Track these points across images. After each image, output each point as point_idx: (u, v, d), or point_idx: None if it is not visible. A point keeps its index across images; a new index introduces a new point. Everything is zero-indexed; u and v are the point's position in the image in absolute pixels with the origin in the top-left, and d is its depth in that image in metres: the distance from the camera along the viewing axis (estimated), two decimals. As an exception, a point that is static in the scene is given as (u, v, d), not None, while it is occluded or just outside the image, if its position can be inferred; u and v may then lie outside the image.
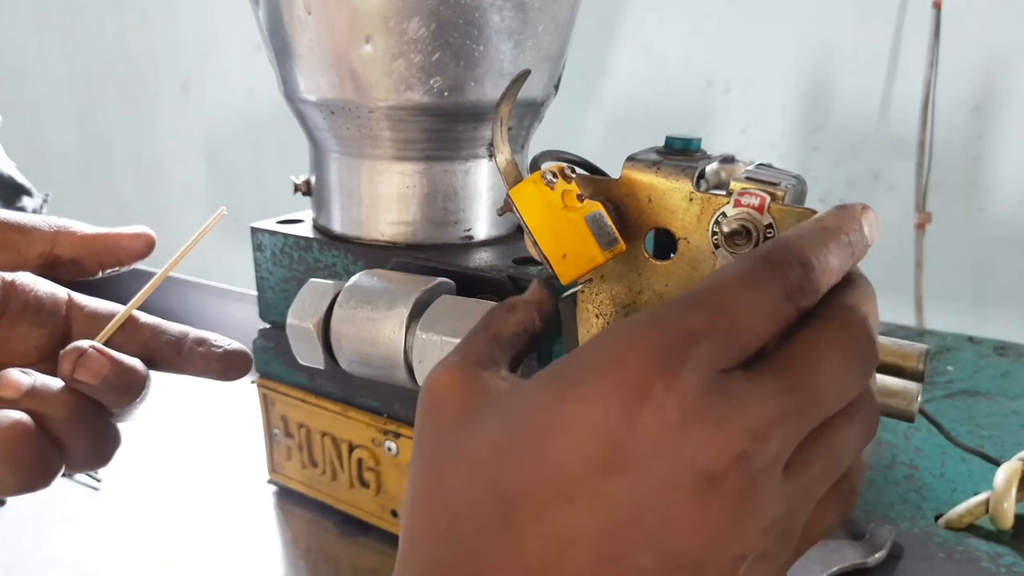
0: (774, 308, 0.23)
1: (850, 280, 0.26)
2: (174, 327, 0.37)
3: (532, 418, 0.23)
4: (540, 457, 0.22)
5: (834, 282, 0.25)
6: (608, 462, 0.22)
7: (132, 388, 0.33)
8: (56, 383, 0.32)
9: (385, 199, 0.46)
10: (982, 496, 0.43)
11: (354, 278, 0.40)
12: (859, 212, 0.26)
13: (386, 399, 0.47)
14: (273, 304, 0.51)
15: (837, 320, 0.24)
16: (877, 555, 0.40)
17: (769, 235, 0.30)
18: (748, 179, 0.31)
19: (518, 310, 0.31)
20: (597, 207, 0.31)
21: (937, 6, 0.89)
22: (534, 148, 0.41)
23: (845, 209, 0.27)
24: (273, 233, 0.49)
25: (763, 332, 0.23)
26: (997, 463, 0.45)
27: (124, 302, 0.36)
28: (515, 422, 0.24)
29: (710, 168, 0.33)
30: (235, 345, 0.37)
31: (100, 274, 0.37)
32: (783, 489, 0.23)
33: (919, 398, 0.31)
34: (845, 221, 0.26)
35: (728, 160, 0.33)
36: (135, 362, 0.33)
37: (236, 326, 0.84)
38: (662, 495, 0.21)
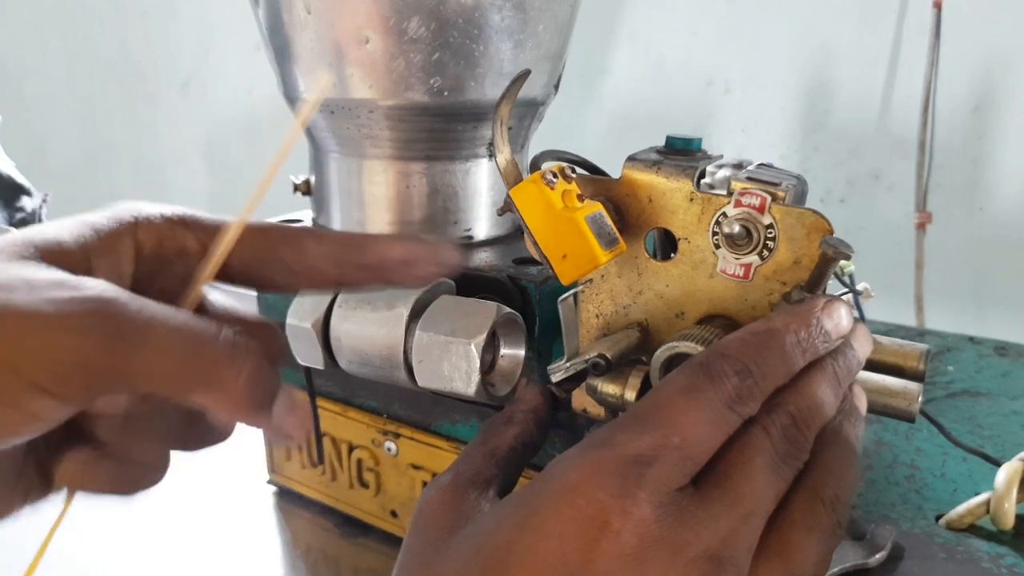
0: (719, 419, 0.24)
1: (798, 375, 0.26)
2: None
3: (491, 549, 0.23)
4: None
5: (779, 383, 0.26)
6: None
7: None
8: None
9: (385, 199, 0.46)
10: (983, 496, 0.43)
11: (354, 278, 0.40)
12: (817, 307, 0.27)
13: (386, 399, 0.47)
14: (273, 304, 0.50)
15: (761, 423, 0.25)
16: (878, 555, 0.40)
17: (770, 235, 0.30)
18: (749, 179, 0.31)
19: (515, 422, 0.31)
20: (597, 207, 0.31)
21: (937, 6, 0.89)
22: (534, 148, 0.41)
23: (801, 306, 0.27)
24: (273, 233, 0.49)
25: (711, 445, 0.24)
26: (998, 463, 0.45)
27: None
28: (475, 552, 0.24)
29: (720, 174, 0.33)
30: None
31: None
32: None
33: (920, 398, 0.31)
34: (795, 320, 0.26)
35: (739, 166, 0.33)
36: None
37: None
38: None
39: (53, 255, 0.23)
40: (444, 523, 0.26)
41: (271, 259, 0.27)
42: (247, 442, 0.58)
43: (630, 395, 0.32)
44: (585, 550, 0.22)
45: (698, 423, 0.23)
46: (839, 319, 0.27)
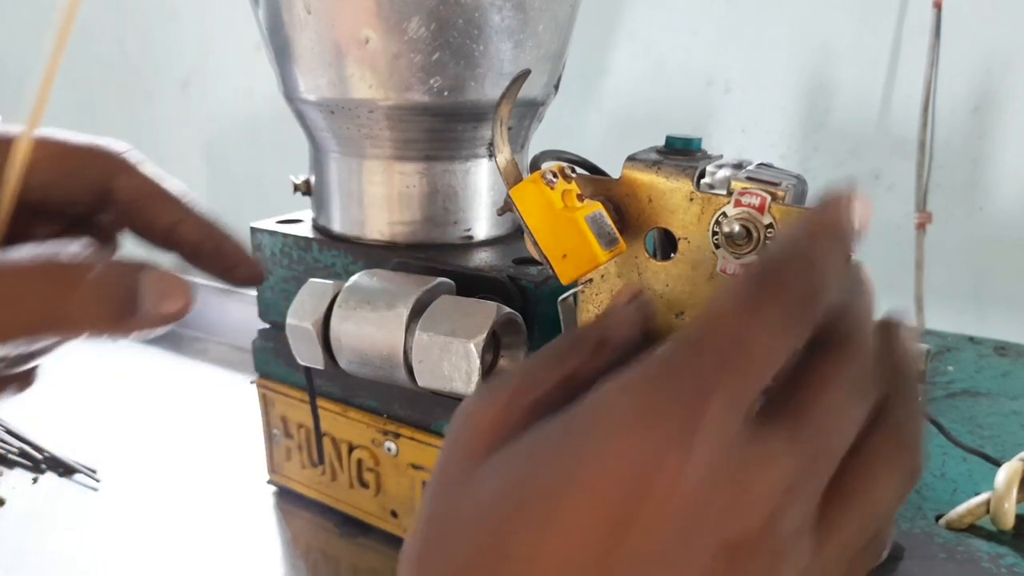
0: (792, 330, 0.21)
1: (849, 289, 0.24)
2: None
3: (540, 482, 0.21)
4: (546, 527, 0.20)
5: (837, 287, 0.22)
6: (620, 539, 0.20)
7: None
8: None
9: (385, 199, 0.46)
10: (983, 496, 0.43)
11: (354, 278, 0.40)
12: (846, 204, 0.23)
13: (386, 399, 0.47)
14: (273, 304, 0.50)
15: (838, 348, 0.22)
16: (878, 555, 0.40)
17: (770, 235, 0.30)
18: (749, 179, 0.31)
19: (611, 349, 0.26)
20: (597, 207, 0.31)
21: (937, 6, 0.89)
22: (534, 148, 0.41)
23: (832, 202, 0.23)
24: (272, 233, 0.49)
25: (778, 361, 0.21)
26: (998, 463, 0.45)
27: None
28: (522, 484, 0.21)
29: (720, 174, 0.33)
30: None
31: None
32: (815, 551, 0.21)
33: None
34: (839, 214, 0.23)
35: (739, 166, 0.33)
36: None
37: (236, 326, 0.84)
38: (683, 570, 0.20)
39: None
40: (493, 444, 0.23)
41: (74, 183, 0.24)
42: (247, 442, 0.58)
43: (630, 395, 0.32)
44: (643, 487, 0.20)
45: (765, 336, 0.20)
46: (864, 215, 0.24)
